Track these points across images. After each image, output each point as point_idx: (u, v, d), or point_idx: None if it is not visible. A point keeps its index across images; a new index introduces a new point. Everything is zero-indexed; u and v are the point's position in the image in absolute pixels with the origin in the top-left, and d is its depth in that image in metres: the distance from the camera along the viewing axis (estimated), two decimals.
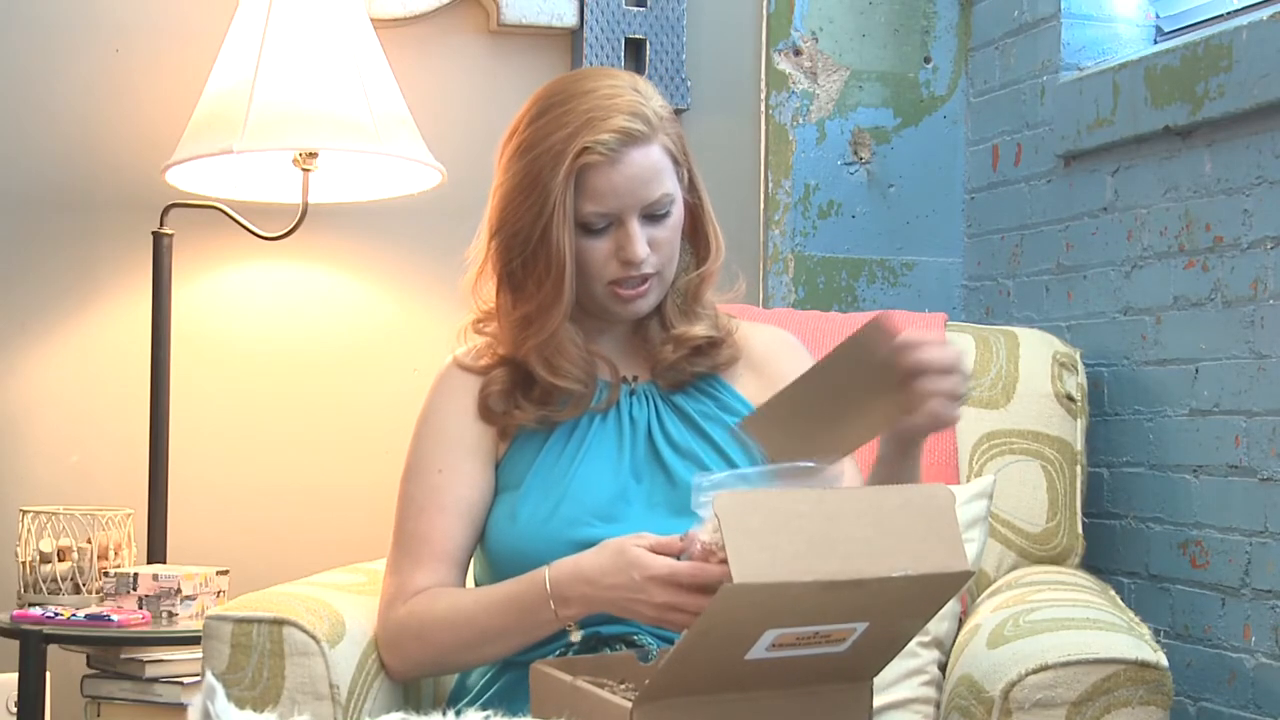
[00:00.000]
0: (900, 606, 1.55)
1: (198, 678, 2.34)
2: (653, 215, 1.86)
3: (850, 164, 3.02)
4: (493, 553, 1.89)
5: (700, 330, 1.94)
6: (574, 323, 1.91)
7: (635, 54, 2.87)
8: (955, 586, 1.56)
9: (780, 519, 1.47)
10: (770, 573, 1.44)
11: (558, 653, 1.81)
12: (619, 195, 1.84)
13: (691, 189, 1.94)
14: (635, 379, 1.96)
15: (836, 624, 1.52)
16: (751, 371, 1.99)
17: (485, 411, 1.92)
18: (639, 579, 1.66)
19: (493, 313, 1.95)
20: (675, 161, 1.89)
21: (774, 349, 2.01)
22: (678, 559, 1.65)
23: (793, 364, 1.96)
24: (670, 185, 1.87)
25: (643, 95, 1.87)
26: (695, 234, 1.96)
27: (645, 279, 1.88)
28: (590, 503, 1.84)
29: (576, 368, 1.90)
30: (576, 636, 1.76)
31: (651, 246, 1.86)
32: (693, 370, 1.94)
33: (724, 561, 1.56)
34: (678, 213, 1.90)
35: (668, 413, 1.93)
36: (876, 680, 1.66)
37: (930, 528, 1.53)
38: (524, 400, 1.91)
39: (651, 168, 1.85)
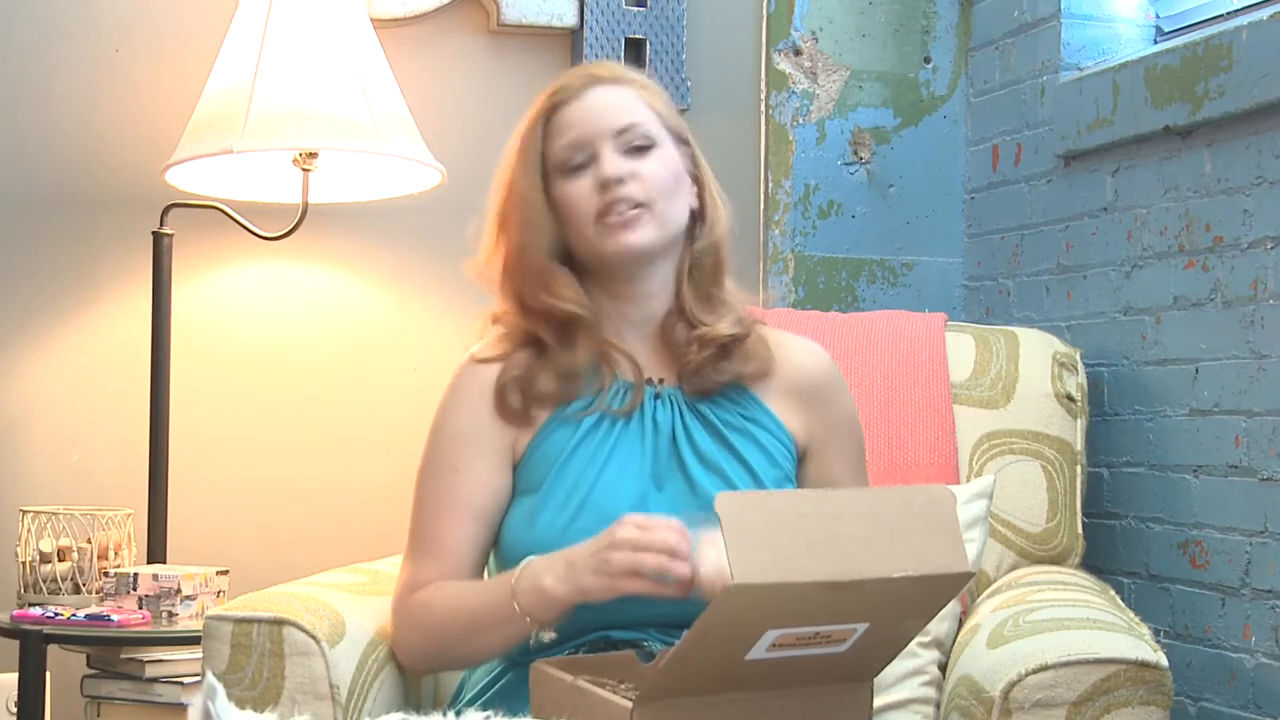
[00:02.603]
0: (901, 607, 1.55)
1: (198, 678, 2.34)
2: (630, 147, 1.88)
3: (850, 164, 3.02)
4: (507, 555, 1.88)
5: (724, 328, 1.91)
6: (593, 315, 1.91)
7: (635, 54, 2.87)
8: (956, 587, 1.56)
9: (781, 519, 1.47)
10: (770, 573, 1.44)
11: (567, 652, 1.81)
12: (584, 123, 1.88)
13: (693, 163, 1.95)
14: (661, 382, 1.94)
15: (837, 624, 1.52)
16: (782, 390, 1.95)
17: (502, 403, 1.90)
18: (609, 529, 1.69)
19: (505, 310, 1.95)
20: (658, 115, 1.91)
21: (808, 379, 1.97)
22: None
23: (827, 408, 1.96)
24: (645, 121, 1.89)
25: (621, 66, 1.95)
26: (701, 208, 1.95)
27: (630, 204, 1.86)
28: (610, 510, 1.82)
29: (570, 289, 1.89)
30: (547, 637, 1.75)
31: (635, 178, 1.86)
32: (718, 380, 1.92)
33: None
34: (667, 155, 1.90)
35: (693, 420, 1.91)
36: (876, 680, 1.66)
37: (931, 528, 1.53)
38: (540, 374, 1.90)
39: (619, 101, 1.90)
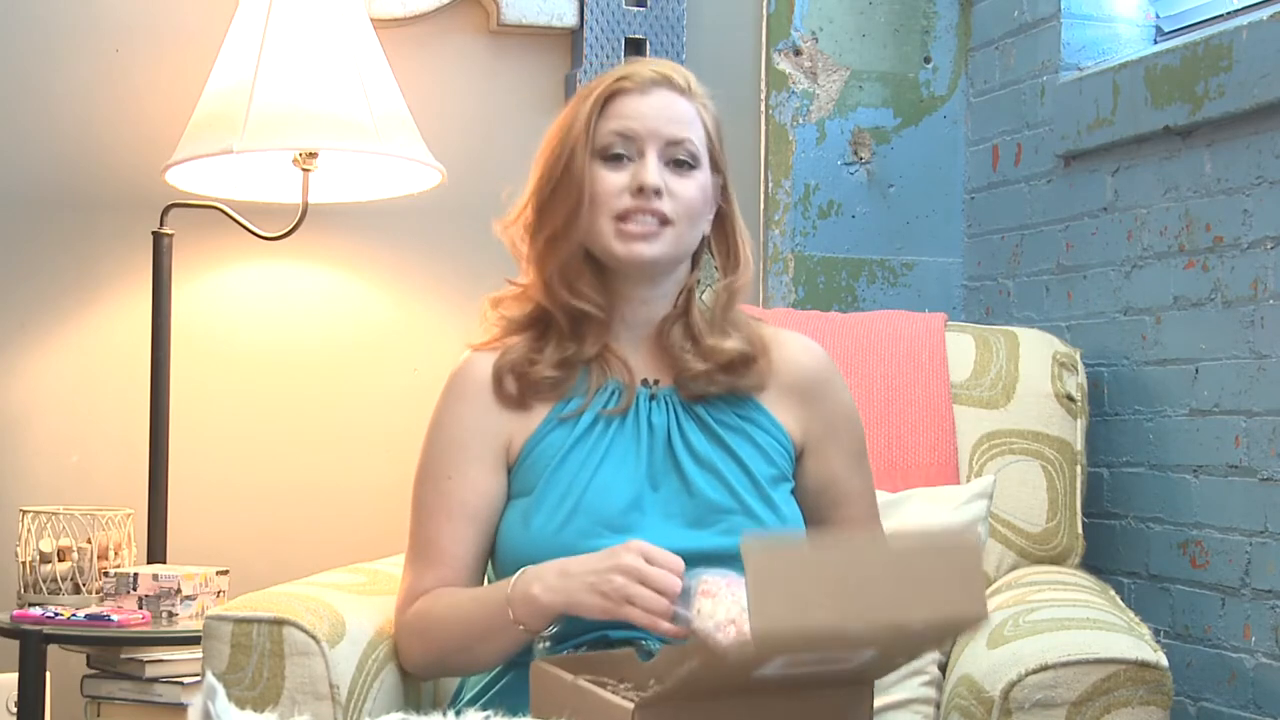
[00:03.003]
0: (912, 641, 1.56)
1: (198, 678, 2.33)
2: (674, 161, 1.87)
3: (850, 164, 3.02)
4: (503, 558, 1.88)
5: (733, 344, 1.91)
6: (607, 315, 1.91)
7: (635, 54, 2.87)
8: (970, 629, 1.56)
9: (804, 566, 1.47)
10: (789, 622, 1.44)
11: (566, 652, 1.81)
12: (640, 118, 1.86)
13: (724, 195, 1.95)
14: (656, 383, 1.94)
15: (848, 653, 1.52)
16: (777, 389, 1.95)
17: (499, 389, 1.90)
18: (614, 549, 1.69)
19: (512, 291, 1.95)
20: (709, 139, 1.91)
21: (803, 377, 1.97)
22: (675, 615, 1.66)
23: (823, 405, 1.96)
24: (697, 141, 1.89)
25: (693, 76, 1.93)
26: (725, 245, 1.96)
27: (657, 219, 1.86)
28: (603, 513, 1.83)
29: (593, 290, 1.89)
30: (541, 652, 1.75)
31: (670, 194, 1.86)
32: (714, 391, 1.91)
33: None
34: (704, 180, 1.90)
35: (688, 420, 1.91)
36: (877, 681, 1.66)
37: (953, 575, 1.51)
38: (539, 356, 1.90)
39: (680, 112, 1.89)
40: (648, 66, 1.91)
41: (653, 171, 1.85)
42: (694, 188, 1.88)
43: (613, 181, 1.86)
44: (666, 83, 1.89)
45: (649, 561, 1.68)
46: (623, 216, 1.86)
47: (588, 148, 1.87)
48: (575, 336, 1.90)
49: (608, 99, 1.88)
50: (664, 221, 1.86)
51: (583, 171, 1.86)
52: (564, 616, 1.74)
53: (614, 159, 1.87)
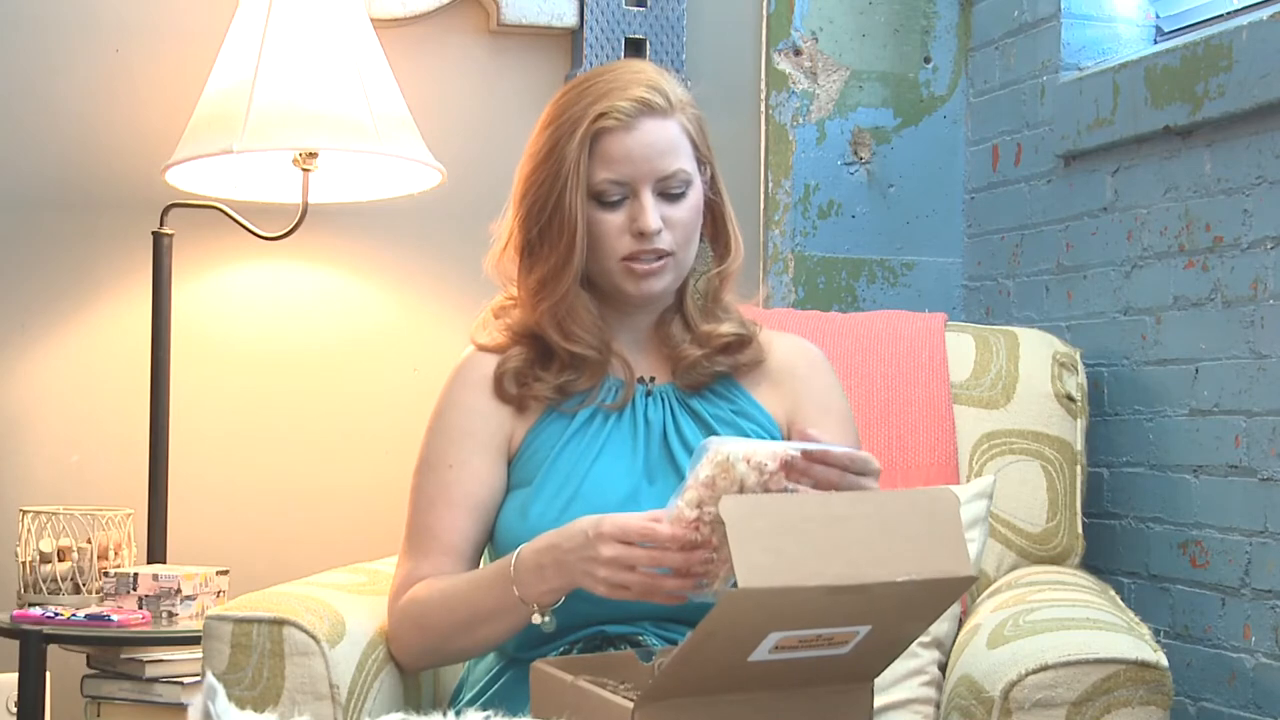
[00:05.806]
0: (903, 610, 1.55)
1: (198, 678, 2.34)
2: (668, 193, 1.87)
3: (850, 164, 3.02)
4: (502, 548, 1.89)
5: (728, 329, 1.95)
6: (595, 303, 1.92)
7: (635, 54, 2.87)
8: (958, 591, 1.57)
9: (786, 522, 1.47)
10: (775, 577, 1.44)
11: (559, 652, 1.82)
12: (632, 162, 1.85)
13: (713, 187, 1.95)
14: (653, 380, 1.96)
15: (839, 627, 1.52)
16: (769, 381, 1.98)
17: (500, 389, 1.92)
18: (591, 535, 1.66)
19: (513, 301, 1.95)
20: (695, 146, 1.90)
21: (795, 361, 2.00)
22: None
23: (813, 381, 1.96)
24: (687, 164, 1.88)
25: (666, 79, 1.91)
26: (715, 233, 1.97)
27: (660, 256, 1.88)
28: (601, 504, 1.84)
29: (589, 334, 1.90)
30: (549, 626, 1.75)
31: (667, 225, 1.87)
32: (714, 369, 1.94)
33: (703, 527, 1.57)
34: (696, 197, 1.90)
35: (683, 416, 1.93)
36: (877, 680, 1.66)
37: (934, 531, 1.53)
38: (543, 373, 1.91)
39: (667, 140, 1.87)
40: (626, 91, 1.87)
41: (651, 216, 1.86)
42: (688, 209, 1.89)
43: (612, 224, 1.87)
44: (648, 109, 1.86)
45: (625, 539, 1.65)
46: (626, 258, 1.88)
47: (579, 190, 1.86)
48: (574, 367, 1.92)
49: (594, 140, 1.86)
50: (664, 255, 1.88)
51: (574, 216, 1.86)
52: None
53: (611, 203, 1.87)
